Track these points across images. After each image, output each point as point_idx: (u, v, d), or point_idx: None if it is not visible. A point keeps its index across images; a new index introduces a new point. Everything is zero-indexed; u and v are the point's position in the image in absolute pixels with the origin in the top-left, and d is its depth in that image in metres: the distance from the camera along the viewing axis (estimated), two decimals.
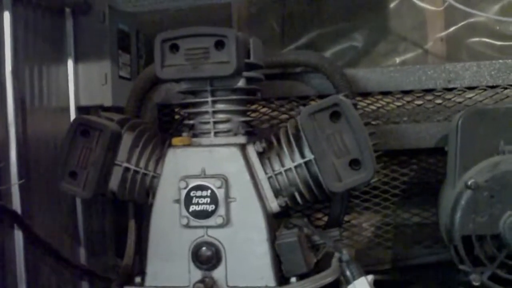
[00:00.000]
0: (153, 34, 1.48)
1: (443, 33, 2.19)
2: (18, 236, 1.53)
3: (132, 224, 1.72)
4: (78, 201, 1.78)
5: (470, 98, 1.75)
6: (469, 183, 1.31)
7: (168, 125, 1.89)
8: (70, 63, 1.80)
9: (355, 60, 2.22)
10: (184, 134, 1.52)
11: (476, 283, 1.33)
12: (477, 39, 2.16)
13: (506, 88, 1.73)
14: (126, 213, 1.74)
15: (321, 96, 1.49)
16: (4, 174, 1.50)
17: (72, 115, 1.78)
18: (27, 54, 1.61)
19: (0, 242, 1.48)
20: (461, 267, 1.35)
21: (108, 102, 1.80)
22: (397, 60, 2.21)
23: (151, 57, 1.49)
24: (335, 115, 1.39)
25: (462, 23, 2.17)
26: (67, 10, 1.78)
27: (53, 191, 1.59)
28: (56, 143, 1.68)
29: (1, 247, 1.48)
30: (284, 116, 1.83)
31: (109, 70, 1.81)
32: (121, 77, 1.86)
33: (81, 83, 1.81)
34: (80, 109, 1.80)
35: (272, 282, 1.41)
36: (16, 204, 1.52)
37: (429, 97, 1.76)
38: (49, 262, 1.64)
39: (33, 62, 1.65)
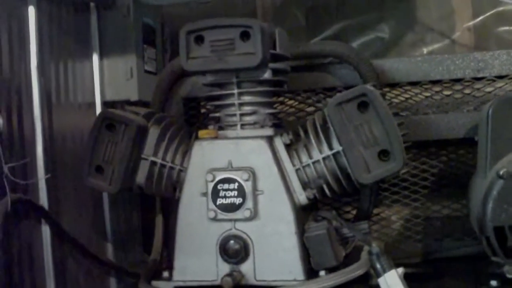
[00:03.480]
0: (178, 27, 1.47)
1: (471, 23, 2.16)
2: (46, 231, 1.52)
3: (159, 219, 1.71)
4: (105, 196, 1.78)
5: (500, 87, 1.71)
6: (501, 172, 1.28)
7: (194, 118, 1.88)
8: (95, 58, 1.79)
9: (382, 51, 2.20)
10: (210, 127, 1.51)
11: (509, 275, 1.30)
12: (506, 28, 2.12)
13: None
14: (153, 207, 1.73)
15: (348, 88, 1.47)
16: (31, 169, 1.50)
17: (98, 110, 1.77)
18: (52, 50, 1.61)
19: (27, 237, 1.48)
20: (493, 259, 1.32)
21: (134, 97, 1.80)
22: (425, 50, 2.18)
23: (177, 51, 1.48)
24: (363, 105, 1.37)
25: (491, 12, 2.14)
26: (92, 4, 1.78)
27: (80, 186, 1.59)
28: (82, 138, 1.67)
29: (28, 242, 1.48)
30: (310, 109, 1.81)
31: (134, 64, 1.80)
32: (146, 71, 1.85)
33: (106, 77, 1.81)
34: (105, 104, 1.79)
35: (300, 275, 1.40)
36: (43, 199, 1.52)
37: (458, 86, 1.73)
38: (77, 258, 1.64)
39: (58, 58, 1.64)
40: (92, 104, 1.78)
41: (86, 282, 1.68)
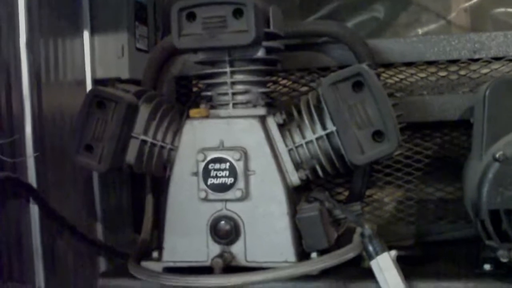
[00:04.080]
0: (170, 5, 1.44)
1: (467, 4, 2.13)
2: (34, 210, 1.51)
3: (149, 198, 1.69)
4: (95, 175, 1.76)
5: (496, 69, 1.69)
6: (497, 155, 1.26)
7: (185, 97, 1.86)
8: (86, 36, 1.77)
9: (377, 31, 2.17)
10: (202, 105, 1.49)
11: (503, 259, 1.29)
12: (502, 9, 2.10)
13: None
14: (144, 187, 1.71)
15: (343, 67, 1.45)
16: (19, 148, 1.48)
17: (88, 88, 1.75)
18: (42, 27, 1.59)
19: (15, 216, 1.46)
20: (488, 242, 1.30)
21: (125, 75, 1.78)
22: (420, 31, 2.16)
23: (169, 28, 1.45)
24: (358, 85, 1.35)
25: None
26: None
27: (70, 165, 1.58)
28: (72, 117, 1.65)
29: (16, 221, 1.47)
30: (304, 88, 1.79)
31: (125, 42, 1.77)
32: (138, 49, 1.83)
33: (97, 55, 1.78)
34: (96, 82, 1.78)
35: (292, 257, 1.38)
36: (32, 177, 1.50)
37: (453, 68, 1.71)
38: (66, 237, 1.62)
39: (48, 35, 1.62)
40: (82, 82, 1.76)
41: (75, 262, 1.67)
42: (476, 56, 1.68)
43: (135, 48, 1.81)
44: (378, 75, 1.43)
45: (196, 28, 1.41)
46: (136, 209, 1.88)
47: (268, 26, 1.44)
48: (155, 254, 1.48)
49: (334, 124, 1.37)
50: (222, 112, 1.47)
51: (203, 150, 1.41)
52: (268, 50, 1.46)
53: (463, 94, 1.69)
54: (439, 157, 1.78)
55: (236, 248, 1.41)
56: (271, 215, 1.39)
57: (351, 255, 1.34)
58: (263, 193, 1.40)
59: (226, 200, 1.41)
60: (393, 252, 1.31)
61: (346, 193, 1.76)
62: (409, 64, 1.73)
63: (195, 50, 1.49)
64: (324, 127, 1.40)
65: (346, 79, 1.36)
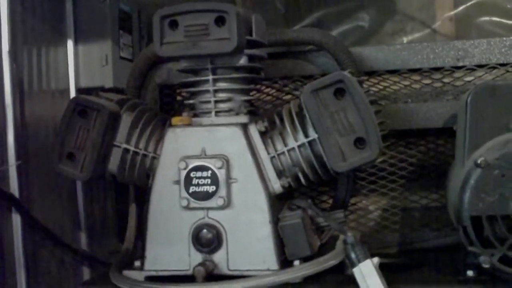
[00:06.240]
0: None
1: (452, 12, 2.15)
2: (16, 220, 1.50)
3: (132, 208, 1.68)
4: (79, 185, 1.76)
5: (479, 76, 1.69)
6: (478, 161, 1.27)
7: (169, 106, 1.85)
8: (70, 44, 1.77)
9: (362, 40, 2.19)
10: (185, 113, 1.48)
11: (485, 265, 1.28)
12: (487, 18, 2.12)
13: None
14: (128, 196, 1.70)
15: (326, 75, 1.45)
16: (1, 156, 1.47)
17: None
18: (25, 35, 1.59)
19: None
20: (470, 249, 1.30)
21: (109, 84, 1.78)
22: (405, 40, 2.18)
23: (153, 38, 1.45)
24: (340, 92, 1.35)
25: (472, 2, 2.13)
26: None
27: (53, 175, 1.56)
28: (55, 126, 1.64)
29: None
30: (288, 97, 1.78)
31: (109, 51, 1.78)
32: (122, 58, 1.83)
33: (81, 64, 1.79)
34: (80, 91, 1.78)
35: (274, 265, 1.38)
36: (14, 187, 1.50)
37: (437, 75, 1.71)
38: (49, 247, 1.62)
39: (32, 43, 1.62)
40: (66, 91, 1.76)
41: (58, 272, 1.66)
42: (460, 64, 1.68)
43: (119, 56, 1.82)
44: (361, 82, 1.42)
45: (179, 36, 1.41)
46: (121, 218, 1.87)
47: (251, 34, 1.44)
48: (137, 263, 1.47)
49: (316, 132, 1.37)
50: (204, 120, 1.47)
51: (185, 158, 1.41)
52: (251, 58, 1.46)
53: (447, 101, 1.69)
54: (423, 165, 1.78)
55: (218, 257, 1.40)
56: (253, 223, 1.39)
57: (333, 262, 1.34)
58: (245, 201, 1.39)
59: (208, 208, 1.40)
60: (376, 259, 1.31)
61: (331, 201, 1.75)
62: (393, 72, 1.73)
63: (177, 58, 1.49)
64: (306, 135, 1.40)
65: (328, 86, 1.35)
